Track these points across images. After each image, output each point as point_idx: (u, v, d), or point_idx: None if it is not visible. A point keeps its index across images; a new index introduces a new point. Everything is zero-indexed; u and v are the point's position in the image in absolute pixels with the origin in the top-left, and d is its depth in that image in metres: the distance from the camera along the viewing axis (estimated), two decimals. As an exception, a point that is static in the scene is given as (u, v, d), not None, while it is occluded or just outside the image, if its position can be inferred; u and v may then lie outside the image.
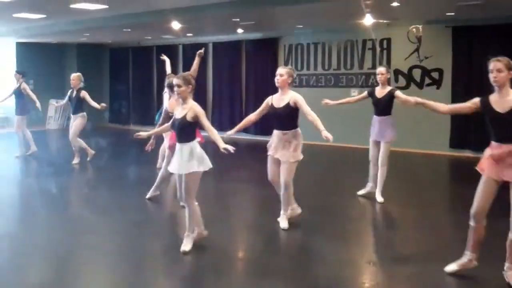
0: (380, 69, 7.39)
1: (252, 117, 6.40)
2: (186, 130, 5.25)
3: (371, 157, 7.51)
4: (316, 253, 5.44)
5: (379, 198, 7.38)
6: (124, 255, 5.51)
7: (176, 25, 12.13)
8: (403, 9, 10.02)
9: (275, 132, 6.17)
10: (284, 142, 6.04)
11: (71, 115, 11.01)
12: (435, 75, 12.37)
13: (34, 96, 11.87)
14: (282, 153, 6.03)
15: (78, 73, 10.94)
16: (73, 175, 10.10)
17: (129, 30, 14.00)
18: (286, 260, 5.18)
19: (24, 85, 11.95)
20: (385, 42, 13.05)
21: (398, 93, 7.10)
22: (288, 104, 5.99)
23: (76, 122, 10.81)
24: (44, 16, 12.28)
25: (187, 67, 15.48)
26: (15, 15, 12.07)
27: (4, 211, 7.62)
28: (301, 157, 6.10)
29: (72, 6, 10.65)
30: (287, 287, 4.62)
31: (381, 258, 5.37)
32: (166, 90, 7.88)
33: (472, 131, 11.55)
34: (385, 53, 13.06)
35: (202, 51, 8.51)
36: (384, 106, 7.32)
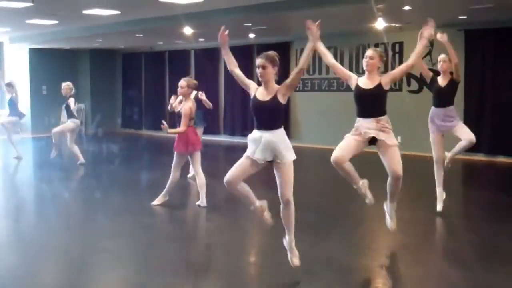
0: (442, 56, 6.88)
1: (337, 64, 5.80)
2: (277, 114, 4.66)
3: (437, 157, 6.79)
4: (327, 258, 5.42)
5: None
6: (136, 259, 5.52)
7: (188, 30, 12.17)
8: (415, 12, 9.98)
9: (365, 121, 5.38)
10: (383, 128, 5.32)
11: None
12: (447, 78, 12.29)
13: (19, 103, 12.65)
14: (387, 137, 5.31)
15: (68, 82, 11.42)
16: (85, 179, 10.14)
17: (141, 35, 14.06)
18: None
19: (14, 94, 12.38)
20: (397, 46, 13.01)
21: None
22: (379, 85, 5.40)
23: (66, 124, 11.38)
24: (56, 22, 12.38)
25: (199, 72, 15.50)
26: (28, 21, 12.18)
27: (17, 215, 7.68)
28: None
29: (85, 11, 10.73)
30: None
31: (393, 262, 5.34)
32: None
33: (484, 134, 11.47)
34: (398, 57, 13.02)
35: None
36: (447, 95, 6.86)
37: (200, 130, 9.89)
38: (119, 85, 19.38)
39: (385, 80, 5.44)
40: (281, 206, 4.70)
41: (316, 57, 14.36)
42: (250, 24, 11.89)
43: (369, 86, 5.42)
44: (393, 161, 5.36)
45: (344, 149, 5.39)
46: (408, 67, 5.60)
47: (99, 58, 18.84)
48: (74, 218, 7.35)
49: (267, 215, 4.88)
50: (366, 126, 5.36)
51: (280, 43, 14.85)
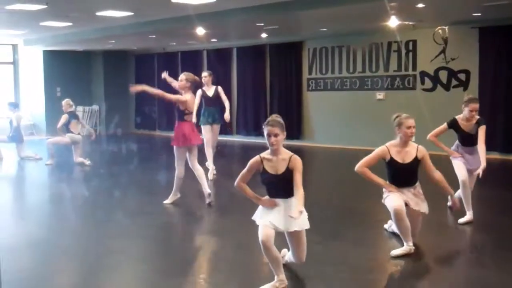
0: (475, 105, 6.44)
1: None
2: (291, 183, 4.43)
3: (463, 178, 6.52)
4: (340, 257, 5.41)
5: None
6: (152, 259, 5.54)
7: (200, 30, 12.19)
8: (428, 10, 9.92)
9: (402, 190, 5.41)
10: (418, 196, 5.45)
11: None
12: (461, 76, 12.22)
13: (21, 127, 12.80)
14: (422, 206, 5.44)
15: (68, 99, 11.80)
16: (100, 180, 10.19)
17: (154, 36, 14.11)
18: (311, 264, 5.15)
19: (17, 115, 12.55)
20: (410, 44, 12.94)
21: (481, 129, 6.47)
22: (416, 158, 5.37)
23: (62, 138, 11.70)
24: (70, 24, 12.45)
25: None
26: (42, 23, 12.26)
27: (34, 216, 7.74)
28: None
29: (98, 13, 10.78)
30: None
31: (408, 262, 5.31)
32: None
33: (499, 133, 11.39)
34: (411, 55, 12.95)
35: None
36: (474, 138, 6.55)
37: (217, 127, 9.84)
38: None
39: (421, 154, 5.39)
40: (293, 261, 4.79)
41: (329, 56, 14.33)
42: (263, 24, 11.88)
43: (406, 160, 5.37)
44: (416, 225, 5.52)
45: (397, 199, 5.33)
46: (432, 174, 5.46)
47: (112, 60, 18.93)
48: (90, 219, 7.40)
49: None
50: (405, 196, 5.39)
51: (292, 42, 14.85)
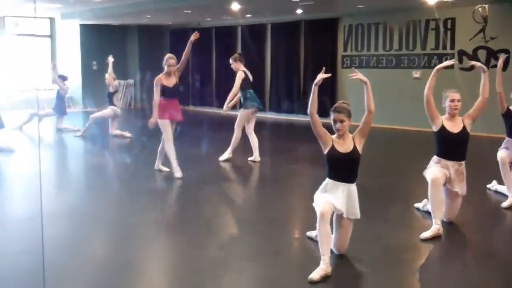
0: None
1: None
2: (357, 166, 4.65)
3: (502, 154, 6.54)
4: (374, 236, 5.40)
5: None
6: (186, 231, 5.60)
7: (235, 6, 12.14)
8: (468, -13, 9.71)
9: (448, 163, 5.47)
10: (459, 174, 5.47)
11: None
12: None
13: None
14: (460, 186, 5.48)
15: (111, 72, 11.96)
16: (136, 152, 10.31)
17: (189, 11, 14.11)
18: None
19: (65, 87, 12.81)
20: (449, 22, 12.69)
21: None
22: (465, 128, 5.47)
23: (105, 110, 12.06)
24: (107, -3, 12.54)
25: (245, 49, 15.49)
26: (79, -3, 12.38)
27: (73, 185, 7.92)
28: None
29: (135, -13, 10.82)
30: (348, 269, 4.62)
31: (441, 242, 5.28)
32: None
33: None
34: (449, 33, 12.70)
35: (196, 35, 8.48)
36: None
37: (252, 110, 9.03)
38: (167, 61, 19.49)
39: (467, 121, 5.51)
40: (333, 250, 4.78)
41: (365, 33, 14.15)
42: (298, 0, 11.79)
43: (456, 130, 5.46)
44: (455, 206, 5.63)
45: (438, 171, 5.42)
46: (484, 101, 5.62)
47: (147, 34, 19.02)
48: (126, 189, 7.52)
49: (322, 276, 4.28)
50: (448, 167, 5.47)
51: (328, 19, 14.69)
